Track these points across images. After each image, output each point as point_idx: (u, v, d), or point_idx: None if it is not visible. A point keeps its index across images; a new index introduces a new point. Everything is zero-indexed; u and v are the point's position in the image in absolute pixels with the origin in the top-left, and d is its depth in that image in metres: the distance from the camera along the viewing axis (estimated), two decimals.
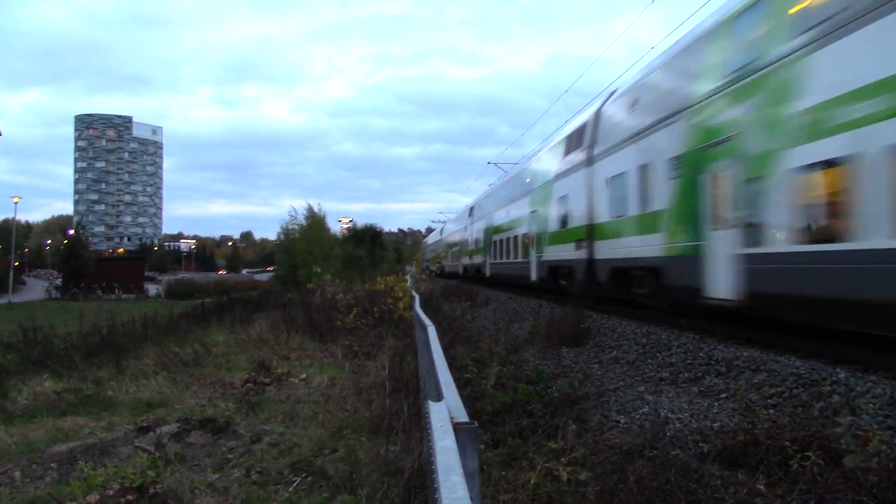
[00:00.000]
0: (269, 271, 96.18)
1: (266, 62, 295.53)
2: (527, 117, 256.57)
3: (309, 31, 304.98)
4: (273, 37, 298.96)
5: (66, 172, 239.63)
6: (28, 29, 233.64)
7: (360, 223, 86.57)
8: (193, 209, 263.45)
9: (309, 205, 51.27)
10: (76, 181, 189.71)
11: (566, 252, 18.26)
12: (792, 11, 8.61)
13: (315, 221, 50.03)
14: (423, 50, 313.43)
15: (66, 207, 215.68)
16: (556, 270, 19.69)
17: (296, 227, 49.73)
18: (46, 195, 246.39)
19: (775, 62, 8.78)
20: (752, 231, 9.24)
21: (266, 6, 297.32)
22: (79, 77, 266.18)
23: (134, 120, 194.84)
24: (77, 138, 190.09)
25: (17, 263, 74.93)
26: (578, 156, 17.69)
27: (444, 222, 65.80)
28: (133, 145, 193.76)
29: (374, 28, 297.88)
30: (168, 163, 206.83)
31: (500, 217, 29.33)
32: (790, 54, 8.46)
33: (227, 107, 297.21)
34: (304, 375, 11.48)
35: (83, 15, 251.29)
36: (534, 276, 22.39)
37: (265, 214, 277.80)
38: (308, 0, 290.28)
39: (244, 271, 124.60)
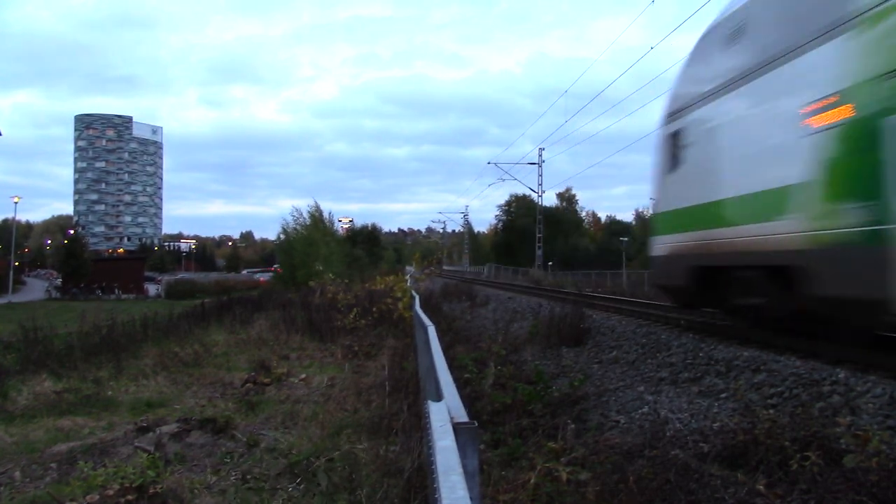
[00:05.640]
0: (268, 271, 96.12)
1: (252, 64, 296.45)
2: (514, 118, 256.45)
3: (291, 33, 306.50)
4: (257, 38, 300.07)
5: (61, 173, 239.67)
6: (13, 31, 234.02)
7: (359, 223, 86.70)
8: (191, 209, 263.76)
9: (315, 202, 51.25)
10: (76, 181, 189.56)
11: None
12: None
13: (318, 220, 50.08)
14: (407, 51, 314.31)
15: (63, 207, 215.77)
16: None
17: (297, 227, 49.69)
18: (42, 195, 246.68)
19: None
20: None
21: (247, 9, 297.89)
22: (67, 78, 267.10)
23: (134, 120, 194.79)
24: (77, 138, 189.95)
25: (17, 263, 74.87)
26: None
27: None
28: (133, 145, 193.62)
29: (355, 30, 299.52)
30: (164, 163, 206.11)
31: None
32: None
33: (217, 108, 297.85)
34: (303, 375, 11.48)
35: (67, 17, 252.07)
36: None
37: (263, 214, 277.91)
38: (288, 3, 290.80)
39: (244, 272, 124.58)
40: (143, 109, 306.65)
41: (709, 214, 9.75)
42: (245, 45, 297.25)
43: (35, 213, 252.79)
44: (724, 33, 9.69)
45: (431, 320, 9.24)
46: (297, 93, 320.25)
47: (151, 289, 76.95)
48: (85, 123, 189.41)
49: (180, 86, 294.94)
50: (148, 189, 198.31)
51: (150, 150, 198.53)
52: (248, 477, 6.10)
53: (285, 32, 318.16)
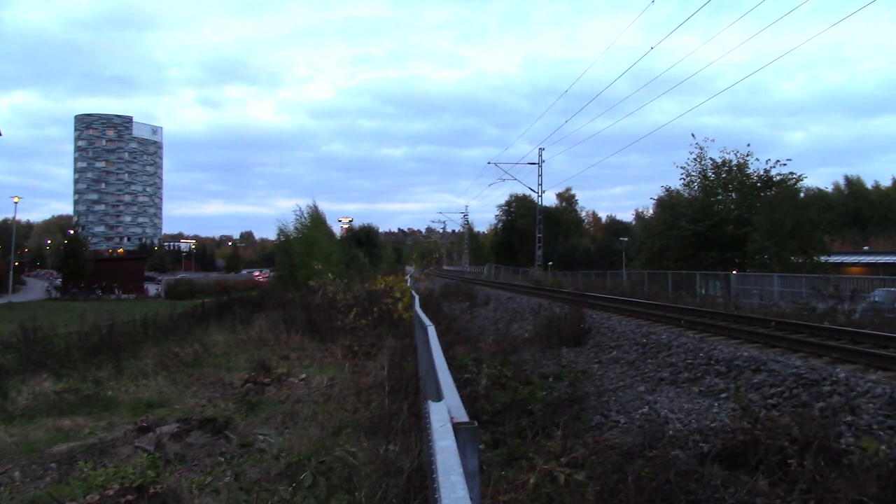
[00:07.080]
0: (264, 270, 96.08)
1: (247, 64, 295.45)
2: (511, 118, 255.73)
3: (286, 33, 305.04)
4: (252, 39, 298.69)
5: (59, 173, 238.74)
6: (8, 31, 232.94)
7: (358, 223, 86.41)
8: (190, 209, 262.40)
9: (314, 202, 51.13)
10: (76, 181, 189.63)
11: None
12: None
13: (318, 220, 50.02)
14: (402, 52, 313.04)
15: (62, 208, 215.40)
16: None
17: (297, 227, 49.62)
18: (40, 195, 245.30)
19: None
20: None
21: (242, 9, 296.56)
22: (63, 79, 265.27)
23: (134, 120, 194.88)
24: (77, 138, 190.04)
25: (17, 263, 74.86)
26: None
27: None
28: (133, 145, 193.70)
29: (350, 30, 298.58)
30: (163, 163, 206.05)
31: None
32: None
33: (213, 108, 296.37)
34: (303, 375, 11.48)
35: (62, 17, 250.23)
36: None
37: (261, 214, 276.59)
38: (283, 4, 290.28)
39: (244, 271, 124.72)
40: (140, 110, 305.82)
41: None
42: (240, 46, 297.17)
43: (34, 213, 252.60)
44: None
45: (431, 320, 9.24)
46: (293, 93, 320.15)
47: (151, 289, 76.88)
48: (85, 123, 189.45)
49: (176, 86, 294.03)
50: (148, 189, 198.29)
51: (150, 150, 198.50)
52: (243, 478, 6.08)
53: (280, 33, 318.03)
